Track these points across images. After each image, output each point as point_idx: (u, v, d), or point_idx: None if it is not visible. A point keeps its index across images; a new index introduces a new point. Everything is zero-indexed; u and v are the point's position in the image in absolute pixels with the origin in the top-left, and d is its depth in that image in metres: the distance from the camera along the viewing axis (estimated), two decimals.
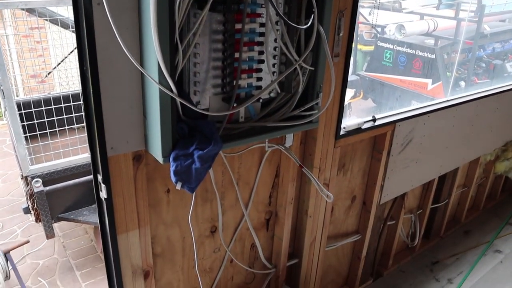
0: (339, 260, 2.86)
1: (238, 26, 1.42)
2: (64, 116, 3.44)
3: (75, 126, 3.47)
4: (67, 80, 4.29)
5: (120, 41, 1.22)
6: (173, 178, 1.38)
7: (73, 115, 3.45)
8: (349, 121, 2.23)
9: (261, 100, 1.60)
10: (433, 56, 5.02)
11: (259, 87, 1.56)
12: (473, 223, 3.97)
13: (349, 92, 5.10)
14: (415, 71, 5.16)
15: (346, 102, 2.15)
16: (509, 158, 3.89)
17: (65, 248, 3.70)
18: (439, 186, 3.36)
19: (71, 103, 3.52)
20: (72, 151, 3.30)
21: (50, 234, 3.19)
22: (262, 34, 1.50)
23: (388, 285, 3.14)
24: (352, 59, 2.13)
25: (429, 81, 5.08)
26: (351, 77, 5.34)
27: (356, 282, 2.99)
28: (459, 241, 3.69)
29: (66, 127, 3.39)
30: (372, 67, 5.52)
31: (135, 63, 1.27)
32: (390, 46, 5.29)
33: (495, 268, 3.37)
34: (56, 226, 3.81)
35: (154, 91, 1.33)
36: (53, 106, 3.39)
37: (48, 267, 3.49)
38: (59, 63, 4.11)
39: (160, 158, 1.41)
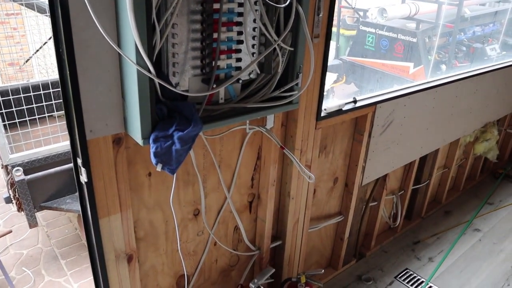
0: (322, 241, 2.90)
1: (217, 6, 1.41)
2: (44, 104, 3.40)
3: (55, 113, 3.43)
4: (46, 67, 4.22)
5: (96, 21, 1.21)
6: (153, 160, 1.38)
7: (53, 102, 3.41)
8: (330, 103, 2.25)
9: (240, 81, 1.60)
10: (414, 40, 5.06)
11: (238, 68, 1.56)
12: (453, 203, 4.06)
13: (332, 77, 5.12)
14: (397, 55, 5.20)
15: (328, 87, 2.16)
16: (488, 139, 3.96)
17: (49, 237, 3.67)
18: (420, 167, 3.41)
19: (51, 90, 3.47)
20: (52, 139, 3.25)
21: (33, 223, 3.16)
22: (241, 14, 1.49)
23: (371, 266, 3.20)
24: (334, 43, 2.14)
25: (411, 64, 5.12)
26: (333, 62, 5.35)
27: (339, 263, 3.04)
28: (440, 221, 3.77)
29: (46, 115, 3.34)
30: (355, 51, 5.55)
31: (112, 44, 1.25)
32: (372, 30, 5.31)
33: (474, 246, 3.47)
34: (39, 215, 3.78)
35: (132, 72, 1.31)
36: (32, 94, 3.34)
37: (32, 257, 3.47)
38: (37, 50, 4.03)
39: (139, 140, 1.40)
